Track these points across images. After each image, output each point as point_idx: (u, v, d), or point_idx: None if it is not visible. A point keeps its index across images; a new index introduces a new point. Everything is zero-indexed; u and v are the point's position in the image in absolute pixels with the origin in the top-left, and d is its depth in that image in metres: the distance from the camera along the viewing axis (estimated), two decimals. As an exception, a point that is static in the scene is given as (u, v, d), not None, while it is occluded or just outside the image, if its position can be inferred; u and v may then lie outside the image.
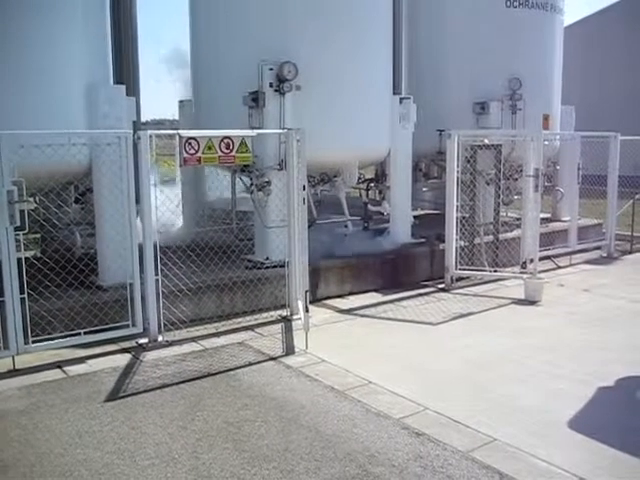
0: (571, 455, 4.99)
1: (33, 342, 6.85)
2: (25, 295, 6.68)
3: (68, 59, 8.07)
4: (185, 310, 8.06)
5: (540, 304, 9.54)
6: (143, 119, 14.19)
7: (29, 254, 8.82)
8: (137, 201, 7.50)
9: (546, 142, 11.75)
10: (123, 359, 7.12)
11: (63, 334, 7.15)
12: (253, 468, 4.77)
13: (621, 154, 13.23)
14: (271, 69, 9.16)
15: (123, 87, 8.62)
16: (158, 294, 7.48)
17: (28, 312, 6.75)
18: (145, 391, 6.23)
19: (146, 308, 7.49)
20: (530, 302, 9.60)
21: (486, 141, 10.81)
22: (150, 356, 7.22)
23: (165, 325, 7.66)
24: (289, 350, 7.43)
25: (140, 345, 7.50)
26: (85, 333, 7.24)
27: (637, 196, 14.23)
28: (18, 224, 6.54)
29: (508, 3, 12.77)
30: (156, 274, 7.45)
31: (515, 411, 5.81)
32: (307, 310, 7.54)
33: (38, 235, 9.45)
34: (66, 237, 9.02)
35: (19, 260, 6.63)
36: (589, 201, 14.38)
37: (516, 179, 12.54)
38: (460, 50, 13.08)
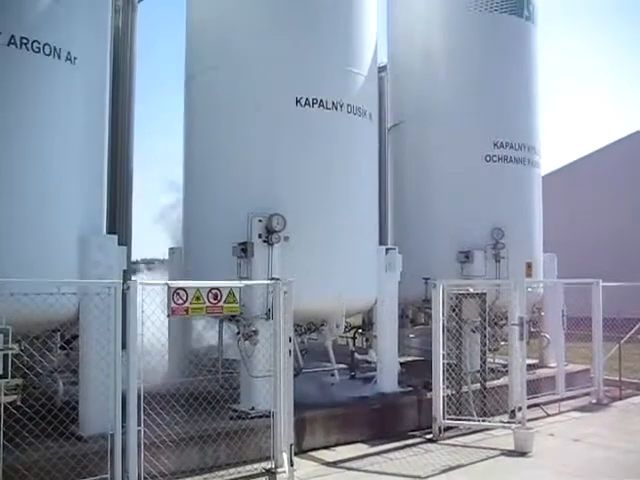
0: None
1: (5, 498, 6.60)
2: (0, 446, 6.50)
3: (64, 209, 8.30)
4: (167, 462, 7.82)
5: (530, 455, 9.34)
6: (133, 258, 14.34)
7: (9, 400, 8.65)
8: (123, 347, 7.49)
9: (529, 289, 11.97)
10: (100, 516, 6.84)
11: (37, 489, 6.90)
12: None
13: (605, 297, 13.41)
14: (260, 221, 9.46)
15: (115, 237, 8.83)
16: (139, 445, 7.28)
17: (2, 465, 6.53)
18: None
19: (126, 460, 7.27)
20: (520, 453, 9.41)
21: (471, 290, 11.01)
22: (128, 513, 6.94)
23: (145, 478, 7.39)
24: (273, 506, 7.18)
25: (118, 501, 7.22)
26: (61, 488, 6.99)
27: (623, 340, 14.29)
28: (0, 372, 6.47)
29: (488, 158, 13.44)
30: (138, 424, 7.29)
31: None
32: (292, 464, 7.37)
33: (20, 381, 9.30)
34: (48, 385, 8.89)
35: (-3, 408, 6.50)
36: (575, 344, 14.41)
37: (502, 326, 12.66)
38: (444, 201, 13.60)
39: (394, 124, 15.10)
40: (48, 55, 8.07)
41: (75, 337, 8.79)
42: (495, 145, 13.52)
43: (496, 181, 13.45)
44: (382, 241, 12.84)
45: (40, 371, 8.47)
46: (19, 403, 8.88)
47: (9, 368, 6.53)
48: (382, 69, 15.02)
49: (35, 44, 7.92)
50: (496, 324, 12.65)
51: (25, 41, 7.83)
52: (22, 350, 8.19)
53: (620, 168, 28.84)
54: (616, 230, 27.91)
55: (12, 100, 7.88)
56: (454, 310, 10.82)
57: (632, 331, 14.65)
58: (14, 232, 7.79)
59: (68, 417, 7.88)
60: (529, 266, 13.60)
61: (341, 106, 10.54)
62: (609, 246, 27.46)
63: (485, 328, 10.93)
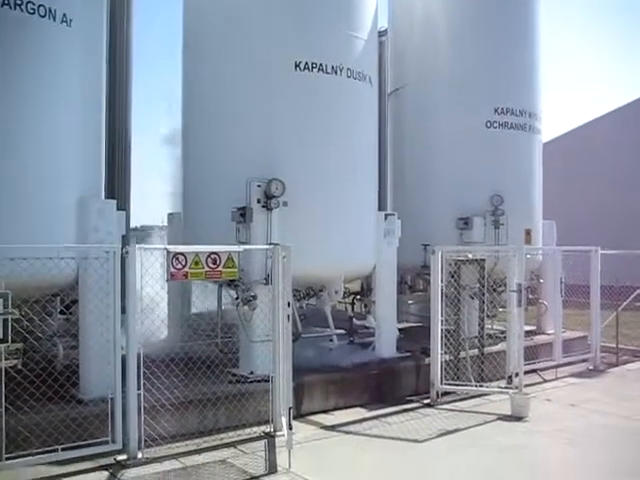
0: None
1: (7, 459, 6.66)
2: (2, 409, 6.56)
3: (63, 172, 8.28)
4: (166, 426, 7.90)
5: (527, 420, 9.42)
6: (132, 225, 14.35)
7: (10, 364, 8.70)
8: (122, 311, 7.53)
9: (528, 256, 11.98)
10: (101, 477, 6.94)
11: (40, 450, 6.97)
12: None
13: (603, 264, 13.44)
14: (259, 186, 9.43)
15: (114, 202, 8.81)
16: (139, 409, 7.36)
17: (4, 427, 6.60)
18: (121, 514, 6.04)
19: (126, 423, 7.35)
20: (517, 418, 9.49)
21: (470, 256, 11.01)
22: (129, 474, 7.03)
23: (145, 441, 7.48)
24: (272, 469, 7.26)
25: (119, 462, 7.31)
26: (62, 449, 7.05)
27: (620, 307, 14.36)
28: (0, 336, 6.51)
29: (488, 124, 13.35)
30: (138, 388, 7.36)
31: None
32: (291, 428, 7.43)
33: (20, 346, 9.35)
34: (48, 349, 8.94)
35: (-2, 372, 6.56)
36: (573, 312, 14.48)
37: (500, 292, 12.69)
38: (443, 168, 13.53)
39: (394, 89, 14.97)
40: (43, 17, 7.96)
41: (75, 302, 8.83)
42: (496, 111, 13.41)
43: (496, 147, 13.35)
44: (381, 207, 12.80)
45: (40, 335, 8.51)
46: (20, 367, 8.95)
47: (9, 332, 6.57)
48: (382, 33, 14.87)
49: (30, 5, 7.81)
50: (494, 290, 12.65)
51: (19, 2, 7.72)
52: (22, 315, 8.24)
53: (618, 136, 28.68)
54: (615, 198, 27.87)
55: (8, 61, 7.77)
56: (453, 276, 10.84)
57: (629, 299, 14.70)
58: (11, 197, 7.77)
59: (69, 381, 7.97)
60: (528, 233, 13.60)
61: (341, 70, 10.43)
62: (607, 215, 27.43)
63: (483, 294, 10.96)
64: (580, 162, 29.50)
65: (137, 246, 7.47)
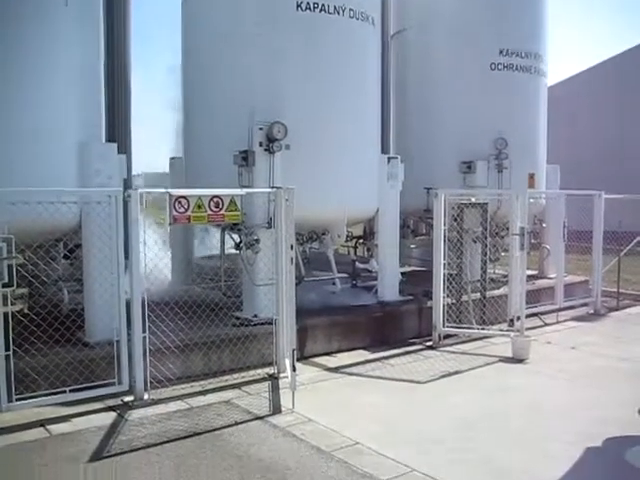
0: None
1: (17, 400, 6.78)
2: (10, 352, 6.65)
3: (62, 116, 8.18)
4: (172, 367, 8.01)
5: (527, 362, 9.54)
6: (134, 172, 14.33)
7: (16, 309, 8.78)
8: (126, 256, 7.56)
9: (531, 200, 11.94)
10: (108, 418, 7.04)
11: (48, 392, 7.08)
12: (237, 532, 4.70)
13: (606, 210, 13.42)
14: (261, 129, 9.33)
15: (115, 145, 8.74)
16: (145, 351, 7.44)
17: (13, 369, 6.70)
18: (130, 451, 6.16)
19: (132, 366, 7.45)
20: (517, 360, 9.60)
21: (472, 200, 10.98)
22: (136, 414, 7.15)
23: (151, 383, 7.59)
24: (276, 409, 7.38)
25: (126, 403, 7.43)
26: (70, 391, 7.17)
27: (622, 253, 14.38)
28: (6, 280, 6.55)
29: (493, 66, 13.11)
30: (143, 331, 7.43)
31: (503, 472, 5.79)
32: (294, 369, 7.52)
33: (25, 290, 9.42)
34: (54, 293, 9.01)
35: (5, 316, 6.62)
36: (575, 257, 14.52)
37: (502, 236, 12.71)
38: (447, 110, 13.36)
39: (397, 31, 14.67)
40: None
41: (78, 246, 8.85)
42: (501, 53, 13.15)
43: (501, 90, 13.13)
44: (384, 150, 12.69)
45: (45, 280, 8.56)
46: (26, 311, 9.03)
47: (14, 276, 6.60)
48: (386, -27, 14.50)
49: None
50: (497, 234, 12.69)
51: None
52: (26, 259, 8.28)
53: (621, 80, 28.25)
54: (619, 143, 27.61)
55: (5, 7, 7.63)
56: (455, 220, 10.82)
57: (632, 244, 14.73)
58: (12, 141, 7.71)
59: (74, 324, 8.05)
60: (532, 177, 13.50)
61: (343, 10, 10.19)
62: (611, 159, 27.21)
63: (486, 238, 10.96)
64: (586, 106, 29.11)
65: (139, 190, 7.45)
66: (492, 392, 8.16)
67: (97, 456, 6.04)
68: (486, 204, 10.89)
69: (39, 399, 6.96)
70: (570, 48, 69.89)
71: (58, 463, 5.87)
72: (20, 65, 7.78)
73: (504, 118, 13.17)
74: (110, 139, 10.37)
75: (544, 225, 14.44)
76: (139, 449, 6.21)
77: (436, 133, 13.43)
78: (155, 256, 7.68)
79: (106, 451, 6.16)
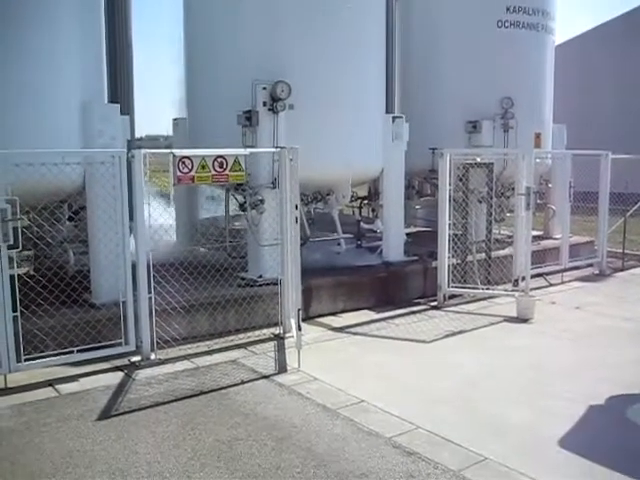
0: (561, 474, 5.01)
1: (25, 360, 6.85)
2: (18, 313, 6.69)
3: (63, 76, 8.10)
4: (178, 328, 8.06)
5: (532, 322, 9.57)
6: (137, 135, 14.26)
7: (22, 271, 8.83)
8: (130, 218, 7.55)
9: (537, 160, 11.85)
10: (116, 377, 7.12)
11: (55, 352, 7.15)
12: (244, 488, 4.78)
13: (613, 171, 13.33)
14: (264, 88, 9.23)
15: (117, 106, 8.67)
16: (151, 312, 7.48)
17: (20, 330, 6.76)
18: (137, 409, 6.23)
19: (139, 326, 7.51)
20: (522, 320, 9.63)
21: (478, 159, 10.90)
22: (143, 374, 7.22)
23: (158, 343, 7.66)
24: (281, 368, 7.44)
25: (133, 363, 7.50)
26: (78, 351, 7.24)
27: (628, 213, 14.32)
28: (11, 242, 6.55)
29: (499, 24, 12.89)
30: (149, 292, 7.46)
31: (507, 430, 5.84)
32: (300, 328, 7.56)
33: (31, 252, 9.46)
34: (59, 255, 9.03)
35: (12, 278, 6.64)
36: (581, 218, 14.47)
37: (508, 197, 12.65)
38: (452, 70, 13.18)
39: (403, -12, 14.43)
40: None
41: (82, 208, 8.84)
42: (508, 9, 12.91)
43: (508, 48, 12.92)
44: (389, 110, 12.57)
45: (50, 241, 8.57)
46: (32, 272, 9.09)
47: (19, 238, 6.61)
48: None
49: None
50: (502, 195, 12.63)
51: None
52: (31, 221, 8.29)
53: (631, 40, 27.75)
54: (627, 103, 27.23)
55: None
56: (461, 180, 10.76)
57: (637, 205, 14.63)
58: (14, 103, 7.65)
59: (81, 285, 8.09)
60: (538, 136, 13.37)
61: (348, -30, 10.02)
62: (619, 119, 26.87)
63: (491, 198, 10.90)
64: (595, 64, 28.65)
65: (143, 150, 7.41)
66: (496, 351, 8.20)
67: (106, 414, 6.11)
68: (492, 164, 10.80)
69: (47, 359, 7.03)
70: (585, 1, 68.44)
71: (67, 421, 5.94)
72: (21, 24, 7.67)
73: (510, 77, 13.00)
74: (112, 97, 10.28)
75: (550, 185, 14.34)
76: (147, 407, 6.28)
77: (441, 92, 13.25)
78: (160, 216, 7.67)
79: (114, 409, 6.24)
